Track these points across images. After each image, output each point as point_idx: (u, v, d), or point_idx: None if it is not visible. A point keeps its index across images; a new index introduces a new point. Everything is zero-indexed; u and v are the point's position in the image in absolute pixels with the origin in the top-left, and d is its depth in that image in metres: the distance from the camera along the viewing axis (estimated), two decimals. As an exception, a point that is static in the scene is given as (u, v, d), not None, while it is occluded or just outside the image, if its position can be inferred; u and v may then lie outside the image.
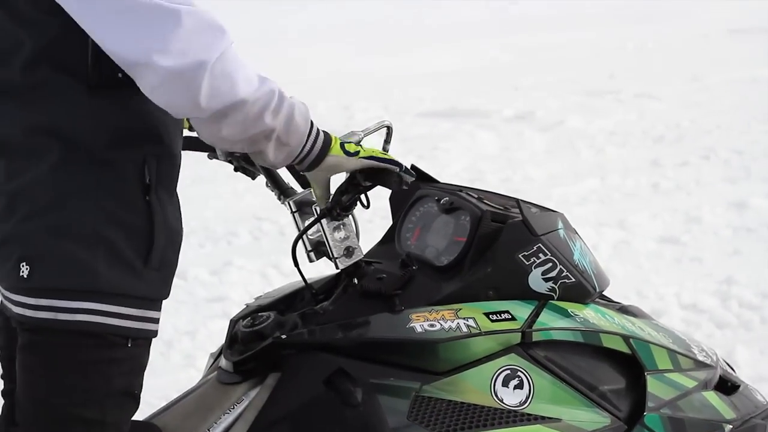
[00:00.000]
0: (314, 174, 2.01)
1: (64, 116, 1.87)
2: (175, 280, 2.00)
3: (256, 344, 2.09)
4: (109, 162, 1.89)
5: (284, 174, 2.32)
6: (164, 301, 1.98)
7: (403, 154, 7.19)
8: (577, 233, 2.26)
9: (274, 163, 1.95)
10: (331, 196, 2.07)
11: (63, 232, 1.88)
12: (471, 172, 7.36)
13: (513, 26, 13.13)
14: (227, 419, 2.07)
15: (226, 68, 1.79)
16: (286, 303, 2.25)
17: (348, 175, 2.03)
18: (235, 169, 2.40)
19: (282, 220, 6.12)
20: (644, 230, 5.97)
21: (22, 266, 1.89)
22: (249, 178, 2.42)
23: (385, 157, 2.01)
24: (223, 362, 2.14)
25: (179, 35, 1.75)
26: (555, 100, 9.46)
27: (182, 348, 4.57)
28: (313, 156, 1.96)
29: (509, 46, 11.65)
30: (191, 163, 2.58)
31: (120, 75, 1.86)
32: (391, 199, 2.38)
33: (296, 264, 2.15)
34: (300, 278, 2.22)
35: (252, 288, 5.17)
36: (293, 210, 2.25)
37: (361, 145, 2.02)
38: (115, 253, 1.89)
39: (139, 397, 2.00)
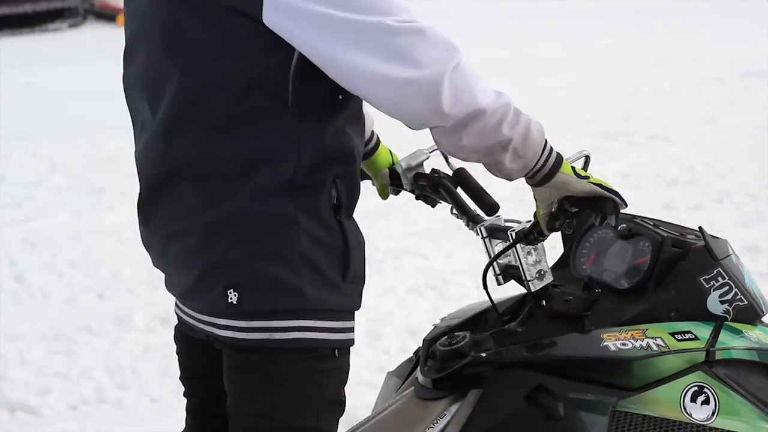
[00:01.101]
0: (542, 191, 2.11)
1: (269, 145, 1.97)
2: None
3: (455, 362, 2.18)
4: (306, 186, 1.99)
5: (469, 202, 2.41)
6: None
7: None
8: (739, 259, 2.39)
9: (510, 174, 2.05)
10: (529, 222, 2.20)
11: (270, 258, 1.98)
12: (484, 212, 7.41)
13: (527, 68, 13.20)
14: None
15: (464, 78, 1.89)
16: (473, 323, 2.36)
17: (557, 202, 2.14)
18: (417, 198, 2.50)
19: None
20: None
21: (230, 293, 1.99)
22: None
23: (610, 187, 2.13)
24: (421, 379, 2.24)
25: (422, 48, 1.85)
26: (569, 141, 9.48)
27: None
28: (545, 170, 2.06)
29: (523, 88, 11.70)
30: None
31: (323, 98, 1.97)
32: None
33: (486, 287, 2.26)
34: (479, 300, 2.33)
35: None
36: (485, 236, 2.36)
37: (588, 173, 2.13)
38: (318, 273, 2.01)
39: (345, 404, 2.12)
